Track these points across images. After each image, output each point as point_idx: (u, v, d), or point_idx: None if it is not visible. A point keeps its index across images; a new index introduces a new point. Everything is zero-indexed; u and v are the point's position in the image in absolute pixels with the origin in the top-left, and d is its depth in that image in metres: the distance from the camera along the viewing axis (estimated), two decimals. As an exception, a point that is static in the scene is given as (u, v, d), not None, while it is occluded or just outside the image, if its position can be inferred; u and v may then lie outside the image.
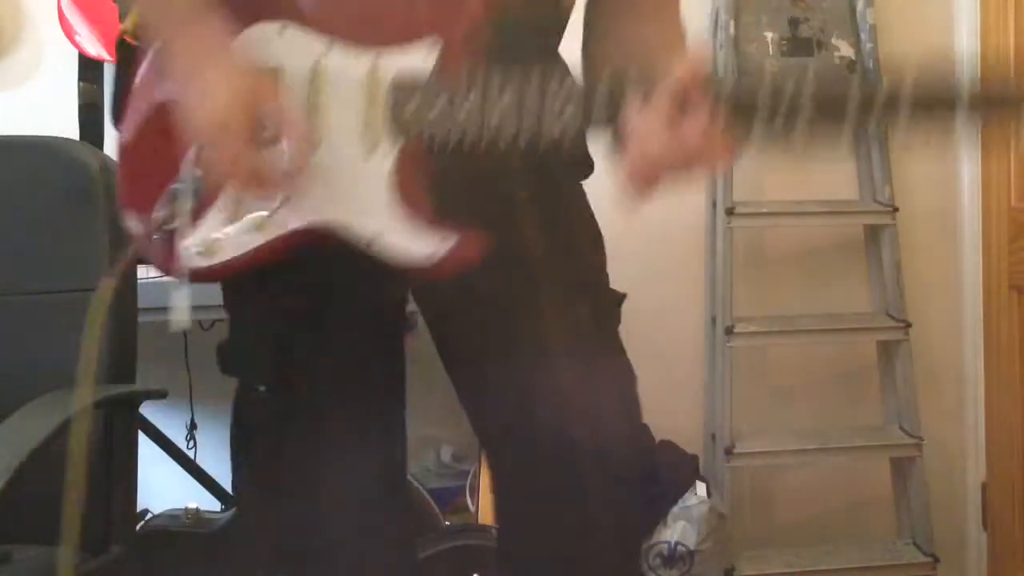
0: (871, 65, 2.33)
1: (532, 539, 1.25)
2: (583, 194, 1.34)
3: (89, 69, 2.26)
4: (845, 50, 2.34)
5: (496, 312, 1.19)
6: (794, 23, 2.34)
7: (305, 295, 1.17)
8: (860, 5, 2.35)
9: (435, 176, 1.02)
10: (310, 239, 1.04)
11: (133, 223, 1.12)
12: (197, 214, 1.05)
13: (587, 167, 1.33)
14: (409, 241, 1.00)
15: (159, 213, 1.06)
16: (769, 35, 2.33)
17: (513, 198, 1.17)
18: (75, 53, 2.23)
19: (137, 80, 1.16)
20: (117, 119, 1.18)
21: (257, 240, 1.05)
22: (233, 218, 1.05)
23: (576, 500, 1.20)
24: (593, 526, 1.21)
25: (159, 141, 1.07)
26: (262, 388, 1.25)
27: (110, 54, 2.20)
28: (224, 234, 1.05)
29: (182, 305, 1.05)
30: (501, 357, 1.21)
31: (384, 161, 1.00)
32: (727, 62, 2.28)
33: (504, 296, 1.18)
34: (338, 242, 1.03)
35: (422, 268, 1.01)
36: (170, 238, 1.06)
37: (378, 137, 1.00)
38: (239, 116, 0.96)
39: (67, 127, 2.23)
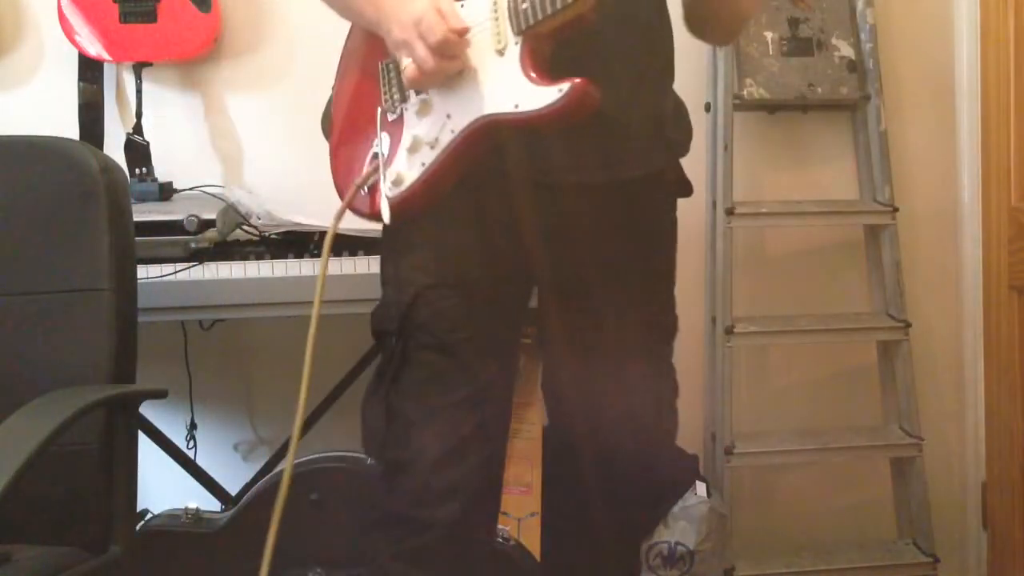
0: (871, 65, 2.33)
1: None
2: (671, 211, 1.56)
3: (89, 69, 2.26)
4: (845, 50, 2.34)
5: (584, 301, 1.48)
6: (794, 23, 2.34)
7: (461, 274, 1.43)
8: (860, 5, 2.35)
9: (560, 58, 1.28)
10: (471, 149, 1.31)
11: (345, 187, 1.44)
12: (390, 159, 1.37)
13: (683, 185, 1.56)
14: (541, 99, 1.23)
15: (366, 170, 1.39)
16: (769, 35, 2.33)
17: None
18: (75, 53, 2.23)
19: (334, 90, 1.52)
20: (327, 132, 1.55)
21: (431, 156, 1.33)
22: (413, 148, 1.35)
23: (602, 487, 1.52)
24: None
25: (354, 135, 1.45)
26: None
27: (110, 54, 2.20)
28: (407, 160, 1.35)
29: (385, 210, 1.36)
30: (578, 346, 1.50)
31: (513, 54, 1.26)
32: (727, 62, 2.28)
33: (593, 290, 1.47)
34: (493, 138, 1.30)
35: (555, 115, 1.23)
36: (373, 188, 1.38)
37: (504, 35, 1.27)
38: (431, 13, 1.26)
39: (67, 127, 2.24)
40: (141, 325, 1.61)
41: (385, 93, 1.42)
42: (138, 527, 1.93)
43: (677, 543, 2.10)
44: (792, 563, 2.31)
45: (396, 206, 1.36)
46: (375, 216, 1.39)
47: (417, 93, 1.36)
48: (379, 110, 1.40)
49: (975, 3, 2.38)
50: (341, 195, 1.44)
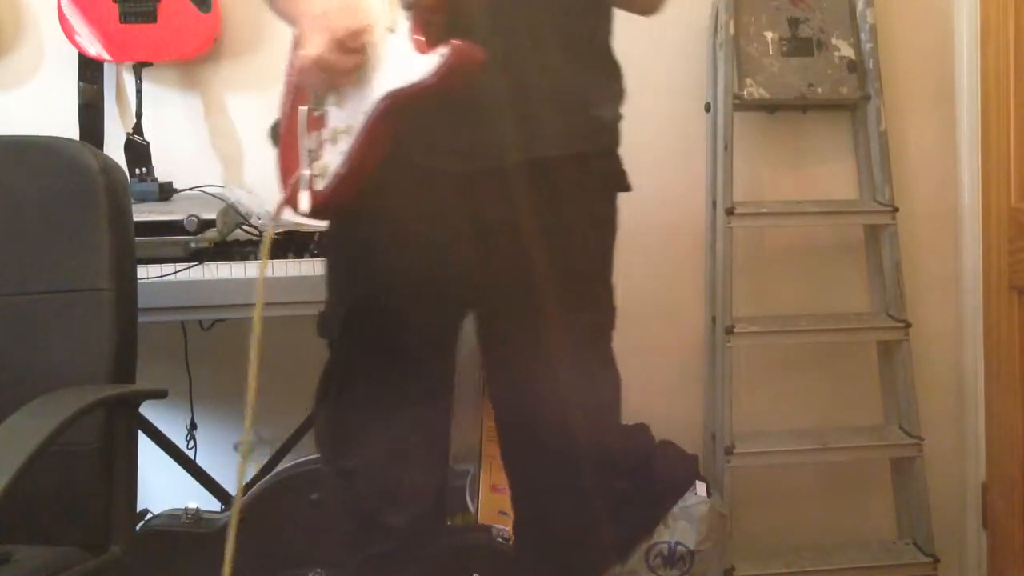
0: (871, 65, 2.33)
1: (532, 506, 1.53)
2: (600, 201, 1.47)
3: (89, 69, 2.26)
4: (845, 50, 2.34)
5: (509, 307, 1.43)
6: (794, 23, 2.34)
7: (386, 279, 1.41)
8: (860, 5, 2.35)
9: (454, 30, 1.25)
10: (380, 129, 1.28)
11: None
12: (318, 155, 1.35)
13: (616, 178, 1.47)
14: (426, 66, 1.22)
15: (300, 171, 1.37)
16: (769, 35, 2.33)
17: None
18: (75, 53, 2.23)
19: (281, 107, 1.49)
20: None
21: (347, 143, 1.31)
22: (333, 140, 1.33)
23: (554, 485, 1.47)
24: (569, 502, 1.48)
25: (292, 139, 1.40)
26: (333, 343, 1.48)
27: (110, 54, 2.20)
28: (330, 152, 1.33)
29: (304, 203, 1.35)
30: (506, 351, 1.46)
31: (403, 30, 1.25)
32: (727, 62, 2.28)
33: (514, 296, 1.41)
34: (397, 115, 1.27)
35: (440, 79, 1.21)
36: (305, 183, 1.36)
37: (394, 14, 1.26)
38: (335, 8, 1.26)
39: (67, 127, 2.24)
40: (141, 325, 1.61)
41: (312, 93, 1.41)
42: (138, 527, 1.93)
43: (677, 543, 2.10)
44: (792, 563, 2.31)
45: (324, 198, 1.34)
46: (319, 207, 1.38)
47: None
48: (304, 109, 1.39)
49: (975, 3, 2.38)
50: (285, 183, 1.44)
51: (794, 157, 2.47)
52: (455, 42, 1.21)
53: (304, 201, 1.34)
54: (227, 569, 1.45)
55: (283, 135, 1.46)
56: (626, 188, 1.48)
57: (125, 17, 2.17)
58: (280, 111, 1.49)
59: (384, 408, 1.43)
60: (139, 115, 2.23)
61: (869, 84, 2.34)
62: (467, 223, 1.38)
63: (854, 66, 2.34)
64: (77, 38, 2.18)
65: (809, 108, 2.42)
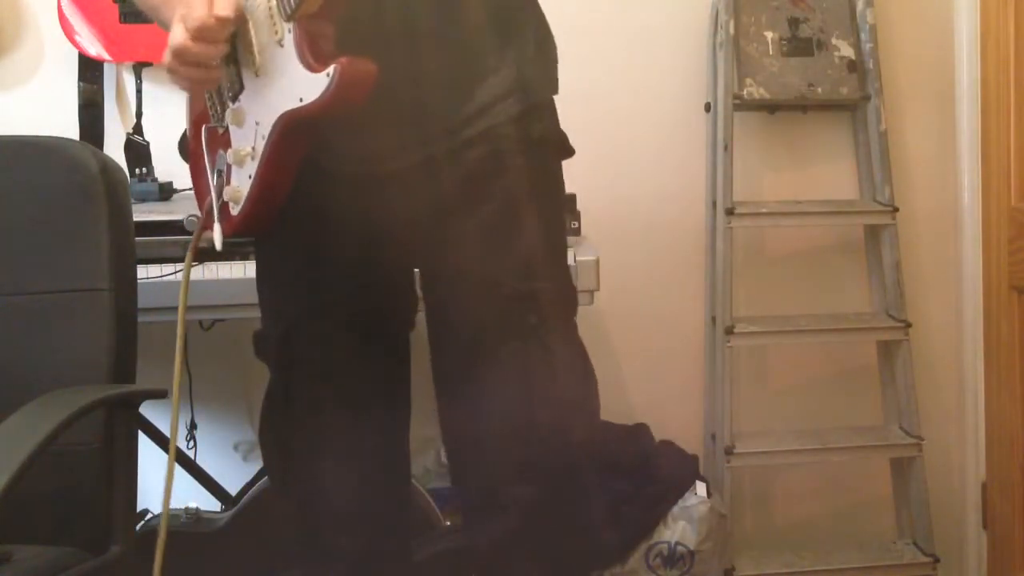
0: (871, 65, 2.33)
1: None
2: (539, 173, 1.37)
3: (89, 69, 2.26)
4: (845, 50, 2.34)
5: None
6: (794, 23, 2.34)
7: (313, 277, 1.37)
8: (860, 5, 2.35)
9: (345, 37, 1.20)
10: (286, 151, 1.24)
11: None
12: (228, 177, 1.30)
13: (551, 143, 1.38)
14: (316, 87, 1.16)
15: (212, 195, 1.32)
16: (769, 35, 2.33)
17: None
18: (75, 53, 2.23)
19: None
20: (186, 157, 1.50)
21: (254, 167, 1.26)
22: (238, 162, 1.28)
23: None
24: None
25: (199, 158, 1.38)
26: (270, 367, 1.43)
27: (110, 54, 2.20)
28: (238, 178, 1.28)
29: (217, 235, 1.30)
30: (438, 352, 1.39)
31: (289, 43, 1.19)
32: (727, 62, 2.28)
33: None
34: (302, 134, 1.22)
35: (332, 102, 1.15)
36: (223, 210, 1.32)
37: (279, 25, 1.20)
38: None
39: (67, 127, 2.24)
40: (141, 325, 1.61)
41: (211, 107, 1.36)
42: (138, 527, 1.93)
43: (677, 543, 2.10)
44: (792, 563, 2.31)
45: (240, 224, 1.30)
46: (235, 237, 1.34)
47: (233, 101, 1.30)
48: (204, 128, 1.35)
49: (975, 3, 2.38)
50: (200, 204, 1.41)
51: (794, 157, 2.47)
52: (342, 60, 1.14)
53: (217, 235, 1.29)
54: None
55: (192, 152, 1.43)
56: (568, 153, 1.39)
57: (125, 17, 2.17)
58: (189, 126, 1.47)
59: (331, 429, 1.39)
60: (139, 115, 2.23)
61: (869, 84, 2.34)
62: (394, 221, 1.32)
63: (854, 66, 2.34)
64: (77, 38, 2.18)
65: (809, 108, 2.42)
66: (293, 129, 1.22)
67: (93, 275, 1.52)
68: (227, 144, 1.32)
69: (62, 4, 2.17)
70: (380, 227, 1.32)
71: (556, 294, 1.36)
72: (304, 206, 1.31)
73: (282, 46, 1.20)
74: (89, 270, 1.52)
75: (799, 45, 2.33)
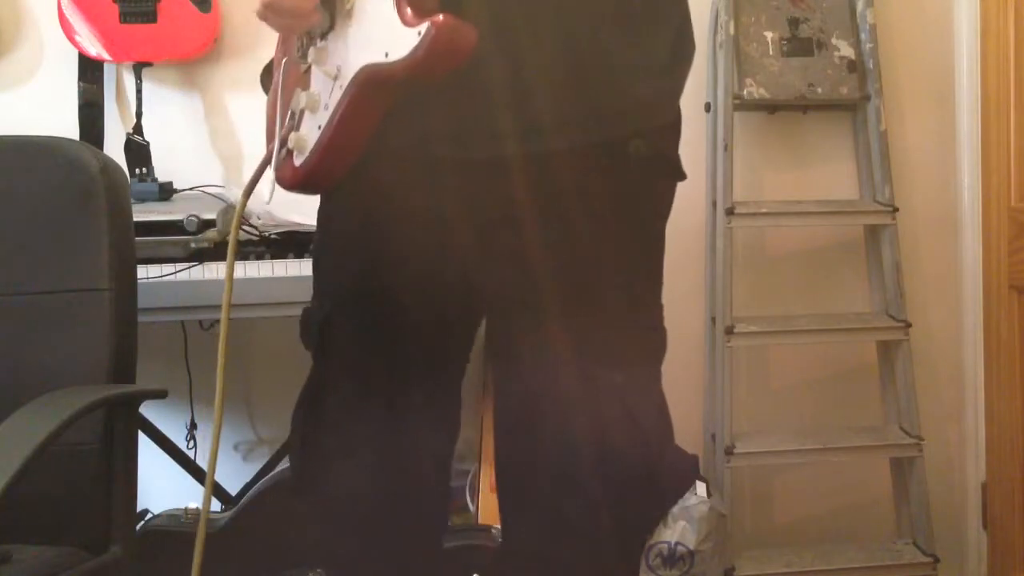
0: (871, 65, 2.33)
1: (531, 535, 1.27)
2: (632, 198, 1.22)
3: (89, 69, 2.26)
4: (845, 50, 2.34)
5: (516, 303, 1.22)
6: (794, 23, 2.34)
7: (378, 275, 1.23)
8: (860, 5, 2.35)
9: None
10: (360, 109, 1.11)
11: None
12: (300, 120, 1.19)
13: (665, 162, 1.22)
14: (405, 44, 1.03)
15: (279, 136, 1.22)
16: (769, 35, 2.33)
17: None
18: (75, 53, 2.23)
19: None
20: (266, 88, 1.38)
21: (325, 117, 1.14)
22: (311, 108, 1.17)
23: (572, 500, 1.23)
24: (589, 525, 1.23)
25: (276, 94, 1.26)
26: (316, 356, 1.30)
27: (110, 54, 2.20)
28: (307, 122, 1.17)
29: (267, 189, 1.22)
30: (515, 350, 1.24)
31: None
32: (727, 62, 2.28)
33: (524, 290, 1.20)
34: (382, 94, 1.10)
35: (418, 65, 1.03)
36: (287, 156, 1.21)
37: None
38: None
39: (67, 127, 2.24)
40: (141, 325, 1.61)
41: (297, 38, 1.23)
42: (138, 527, 1.93)
43: (677, 543, 2.10)
44: (792, 563, 2.31)
45: (303, 177, 1.18)
46: (296, 188, 1.22)
47: (322, 38, 1.16)
48: (284, 61, 1.22)
49: (975, 3, 2.38)
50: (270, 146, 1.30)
51: (794, 157, 2.47)
52: (438, 19, 1.00)
53: (267, 186, 1.20)
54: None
55: (272, 89, 1.30)
56: (678, 174, 1.22)
57: (125, 17, 2.17)
58: (275, 56, 1.35)
59: (371, 429, 1.26)
60: (139, 115, 2.23)
61: (869, 84, 2.34)
62: (467, 215, 1.18)
63: (854, 66, 2.34)
64: (77, 38, 2.18)
65: (809, 108, 2.42)
66: (374, 86, 1.09)
67: (93, 275, 1.52)
68: (306, 84, 1.20)
69: (62, 4, 2.17)
70: (446, 224, 1.18)
71: (659, 342, 1.25)
72: (368, 180, 1.18)
73: (377, 4, 1.07)
74: (89, 270, 1.52)
75: (799, 45, 2.33)
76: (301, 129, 1.19)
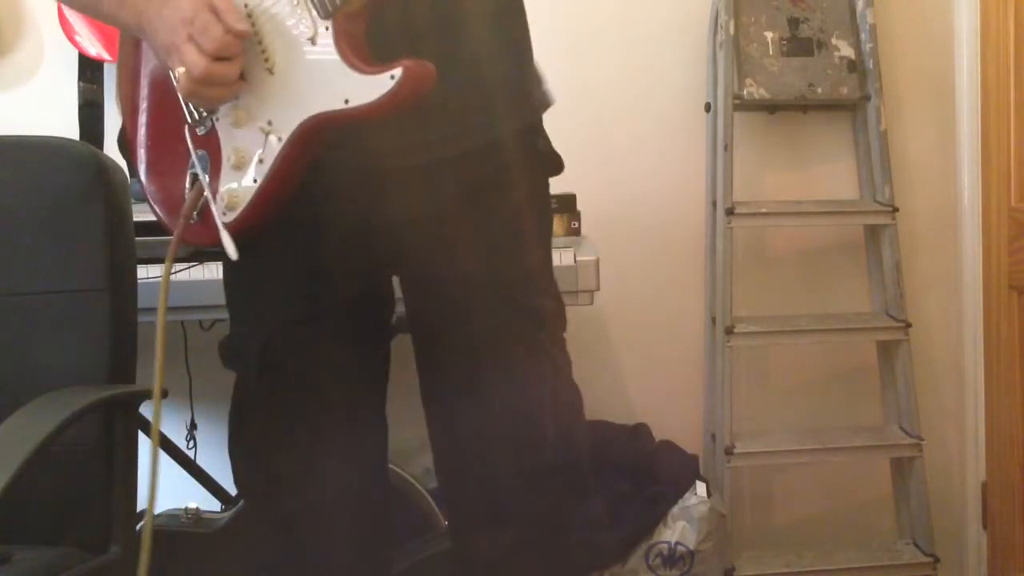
0: (871, 65, 2.33)
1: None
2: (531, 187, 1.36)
3: (89, 69, 2.26)
4: (845, 50, 2.34)
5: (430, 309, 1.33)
6: (794, 23, 2.34)
7: (298, 283, 1.31)
8: (860, 5, 2.35)
9: (371, 34, 1.16)
10: (305, 152, 1.18)
11: (171, 220, 1.29)
12: (215, 180, 1.22)
13: (543, 159, 1.37)
14: (371, 90, 1.12)
15: (189, 197, 1.23)
16: (769, 35, 2.33)
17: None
18: (75, 53, 2.23)
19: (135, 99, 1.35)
20: (124, 150, 1.39)
21: (263, 170, 1.20)
22: (238, 165, 1.21)
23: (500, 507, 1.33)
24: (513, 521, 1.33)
25: (163, 157, 1.29)
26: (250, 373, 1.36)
27: (110, 54, 2.20)
28: (236, 182, 1.21)
29: (228, 243, 1.21)
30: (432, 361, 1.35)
31: (326, 42, 1.15)
32: (727, 62, 2.28)
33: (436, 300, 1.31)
34: (326, 137, 1.17)
35: (389, 105, 1.12)
36: (205, 215, 1.23)
37: (310, 21, 1.15)
38: (203, 12, 1.12)
39: (67, 127, 2.24)
40: (141, 325, 1.61)
41: (186, 105, 1.26)
42: (138, 527, 1.93)
43: (677, 543, 2.10)
44: (792, 563, 2.31)
45: (235, 229, 1.22)
46: (216, 246, 1.24)
47: (235, 98, 1.21)
48: (186, 127, 1.24)
49: (975, 3, 2.38)
50: (167, 220, 1.31)
51: (794, 157, 2.47)
52: (407, 63, 1.11)
53: (229, 243, 1.21)
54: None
55: (148, 152, 1.32)
56: (558, 169, 1.38)
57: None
58: (130, 123, 1.36)
59: (317, 439, 1.33)
60: (139, 115, 2.23)
61: (869, 84, 2.34)
62: (395, 220, 1.27)
63: (854, 66, 2.34)
64: (77, 38, 2.18)
65: (809, 108, 2.42)
66: (321, 131, 1.17)
67: (93, 275, 1.52)
68: (213, 146, 1.23)
69: (62, 4, 2.17)
70: (379, 225, 1.27)
71: (557, 309, 1.37)
72: (300, 206, 1.24)
73: (314, 43, 1.15)
74: (88, 270, 1.52)
75: (799, 45, 2.33)
76: (226, 185, 1.22)
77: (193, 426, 2.29)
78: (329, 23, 1.14)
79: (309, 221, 1.26)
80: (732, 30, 2.29)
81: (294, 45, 1.17)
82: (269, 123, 1.19)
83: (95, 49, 2.19)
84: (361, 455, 1.37)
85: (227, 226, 1.21)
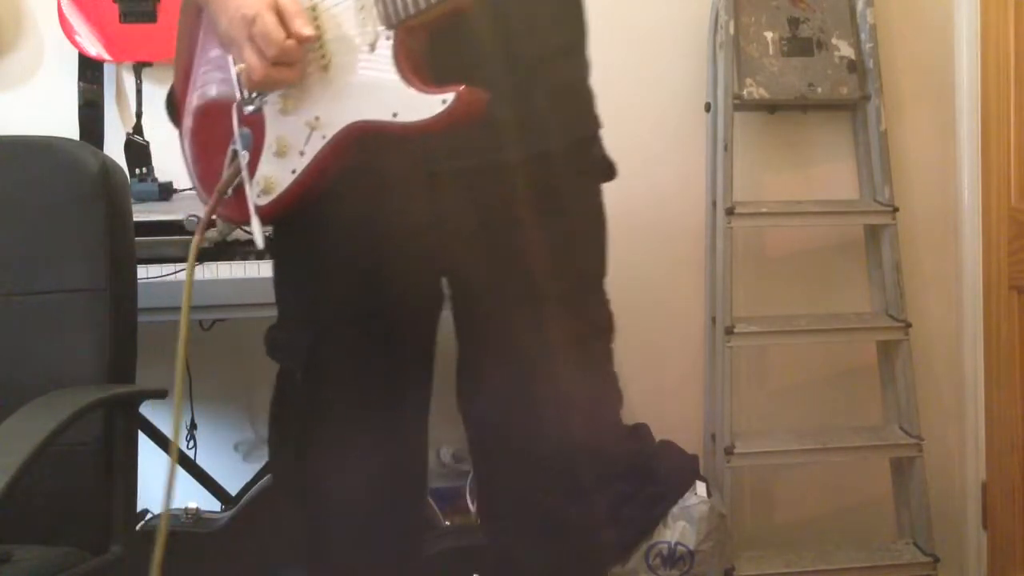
0: (871, 65, 2.33)
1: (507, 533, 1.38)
2: (592, 196, 1.38)
3: (89, 69, 2.26)
4: (845, 50, 2.34)
5: (491, 310, 1.31)
6: (794, 23, 2.34)
7: (349, 283, 1.29)
8: (860, 5, 2.35)
9: (432, 52, 1.16)
10: (343, 154, 1.18)
11: (204, 188, 1.30)
12: (254, 161, 1.22)
13: (600, 165, 1.39)
14: (421, 109, 1.12)
15: (226, 173, 1.23)
16: (769, 35, 2.33)
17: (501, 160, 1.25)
18: (75, 53, 2.23)
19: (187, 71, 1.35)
20: (171, 110, 1.38)
21: (302, 163, 1.20)
22: (280, 152, 1.21)
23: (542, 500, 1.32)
24: (554, 526, 1.33)
25: (211, 123, 1.27)
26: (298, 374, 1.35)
27: (110, 54, 2.20)
28: (274, 169, 1.21)
29: (257, 231, 1.21)
30: (485, 356, 1.33)
31: (384, 52, 1.14)
32: (727, 62, 2.28)
33: (502, 294, 1.29)
34: (364, 140, 1.17)
35: (437, 127, 1.12)
36: (240, 192, 1.22)
37: (373, 28, 1.15)
38: (268, 15, 1.12)
39: (67, 127, 2.24)
40: (141, 325, 1.61)
41: (239, 82, 1.24)
42: (138, 527, 1.93)
43: (677, 543, 2.10)
44: (792, 563, 2.31)
45: (267, 213, 1.23)
46: (244, 222, 1.25)
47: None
48: (234, 105, 1.23)
49: (975, 3, 2.38)
50: (201, 190, 1.32)
51: (794, 157, 2.47)
52: (461, 90, 1.11)
53: (258, 231, 1.20)
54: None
55: (194, 117, 1.31)
56: (613, 175, 1.39)
57: (125, 17, 2.17)
58: (180, 85, 1.34)
59: (359, 437, 1.32)
60: (139, 115, 2.23)
61: (869, 84, 2.34)
62: (454, 223, 1.26)
63: (854, 66, 2.34)
64: (77, 38, 2.18)
65: (809, 108, 2.42)
66: (363, 137, 1.17)
67: (93, 275, 1.52)
68: (258, 127, 1.22)
69: (62, 4, 2.17)
70: (434, 229, 1.25)
71: (611, 319, 1.37)
72: (356, 206, 1.24)
73: (373, 50, 1.15)
74: (89, 270, 1.52)
75: (799, 45, 2.33)
76: (264, 170, 1.22)
77: (193, 426, 2.29)
78: (391, 33, 1.14)
79: (364, 221, 1.25)
80: (732, 30, 2.29)
81: (353, 49, 1.16)
82: (316, 119, 1.19)
83: (95, 49, 2.19)
84: (401, 459, 1.36)
85: (258, 209, 1.21)
